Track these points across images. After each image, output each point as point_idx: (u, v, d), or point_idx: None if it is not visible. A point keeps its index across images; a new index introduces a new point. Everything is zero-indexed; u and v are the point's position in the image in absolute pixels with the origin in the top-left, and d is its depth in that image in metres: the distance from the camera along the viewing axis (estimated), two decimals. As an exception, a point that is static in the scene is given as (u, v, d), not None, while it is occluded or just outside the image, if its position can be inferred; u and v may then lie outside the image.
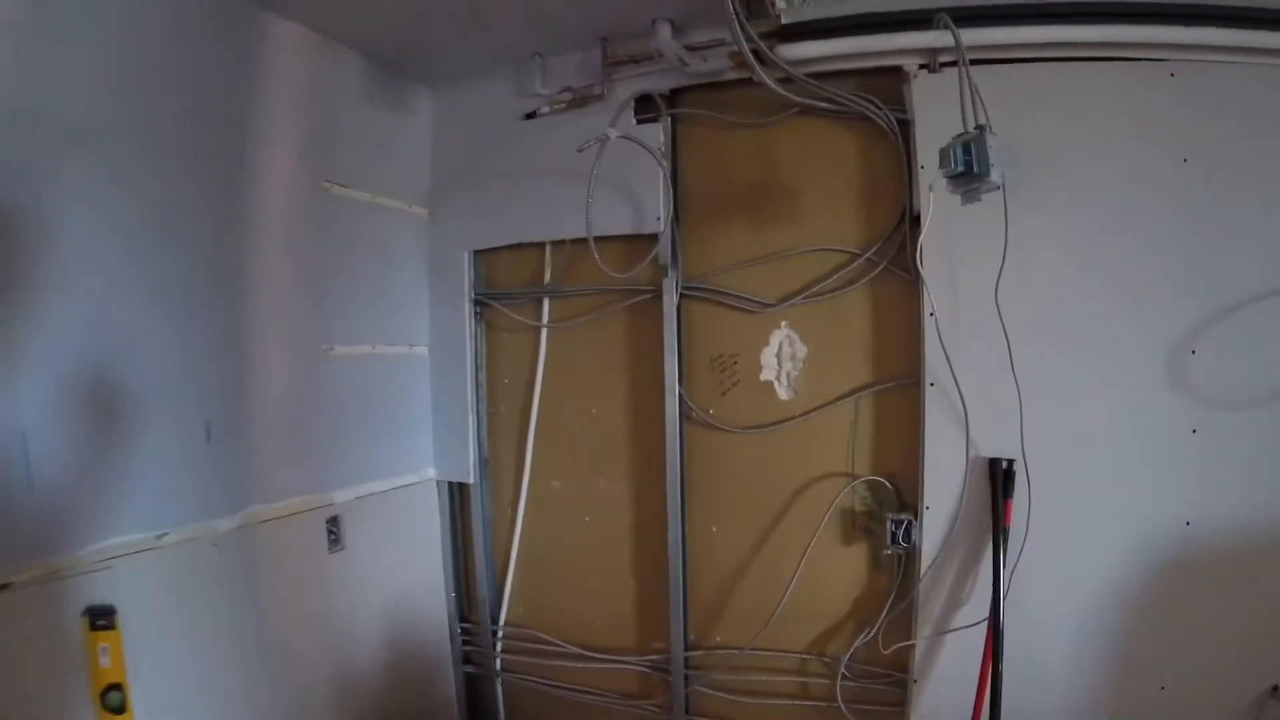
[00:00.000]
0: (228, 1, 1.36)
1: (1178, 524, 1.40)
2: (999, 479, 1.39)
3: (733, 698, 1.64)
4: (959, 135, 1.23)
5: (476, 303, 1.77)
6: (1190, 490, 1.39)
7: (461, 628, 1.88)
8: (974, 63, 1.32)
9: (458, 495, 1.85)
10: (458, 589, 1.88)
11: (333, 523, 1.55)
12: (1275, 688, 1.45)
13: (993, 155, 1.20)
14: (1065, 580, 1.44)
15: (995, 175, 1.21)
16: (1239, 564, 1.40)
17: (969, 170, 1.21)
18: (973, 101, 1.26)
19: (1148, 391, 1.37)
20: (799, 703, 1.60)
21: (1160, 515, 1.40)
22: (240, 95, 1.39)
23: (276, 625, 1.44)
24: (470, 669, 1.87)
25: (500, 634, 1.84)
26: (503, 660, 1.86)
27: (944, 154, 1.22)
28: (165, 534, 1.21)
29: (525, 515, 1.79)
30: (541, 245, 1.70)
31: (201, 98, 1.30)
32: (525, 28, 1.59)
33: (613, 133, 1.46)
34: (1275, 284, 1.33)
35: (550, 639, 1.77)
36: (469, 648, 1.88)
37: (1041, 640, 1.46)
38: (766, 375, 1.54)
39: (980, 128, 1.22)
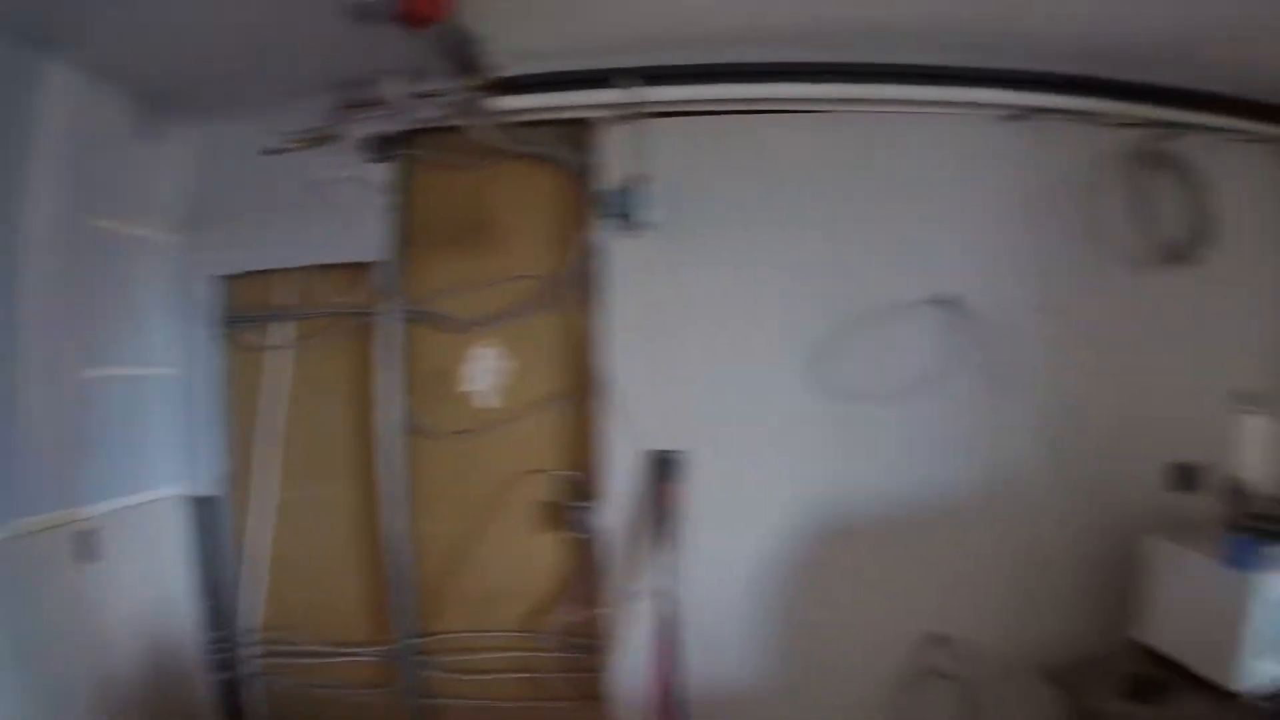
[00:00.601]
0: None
1: (821, 500, 1.75)
2: (662, 469, 1.68)
3: (461, 677, 1.81)
4: (621, 182, 1.51)
5: (221, 325, 1.87)
6: (834, 470, 1.74)
7: (216, 634, 1.93)
8: (659, 115, 1.64)
9: (206, 507, 1.91)
10: (210, 597, 1.93)
11: (88, 535, 1.60)
12: (938, 635, 1.81)
13: (648, 199, 1.49)
14: (731, 551, 1.73)
15: (650, 215, 1.50)
16: (880, 529, 1.76)
17: (624, 212, 1.49)
18: (641, 149, 1.56)
19: (793, 391, 1.71)
20: (519, 675, 1.80)
21: (806, 493, 1.74)
22: (6, 137, 1.45)
23: (33, 634, 1.46)
24: (226, 675, 1.92)
25: (252, 638, 1.91)
26: (257, 663, 1.93)
27: (601, 198, 1.48)
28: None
29: (268, 523, 1.89)
30: (282, 271, 1.83)
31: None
32: (275, 73, 1.73)
33: (339, 173, 1.66)
34: (887, 303, 1.70)
35: (294, 640, 1.88)
36: (223, 654, 1.93)
37: (718, 603, 1.74)
38: (475, 386, 1.75)
39: (641, 175, 1.50)
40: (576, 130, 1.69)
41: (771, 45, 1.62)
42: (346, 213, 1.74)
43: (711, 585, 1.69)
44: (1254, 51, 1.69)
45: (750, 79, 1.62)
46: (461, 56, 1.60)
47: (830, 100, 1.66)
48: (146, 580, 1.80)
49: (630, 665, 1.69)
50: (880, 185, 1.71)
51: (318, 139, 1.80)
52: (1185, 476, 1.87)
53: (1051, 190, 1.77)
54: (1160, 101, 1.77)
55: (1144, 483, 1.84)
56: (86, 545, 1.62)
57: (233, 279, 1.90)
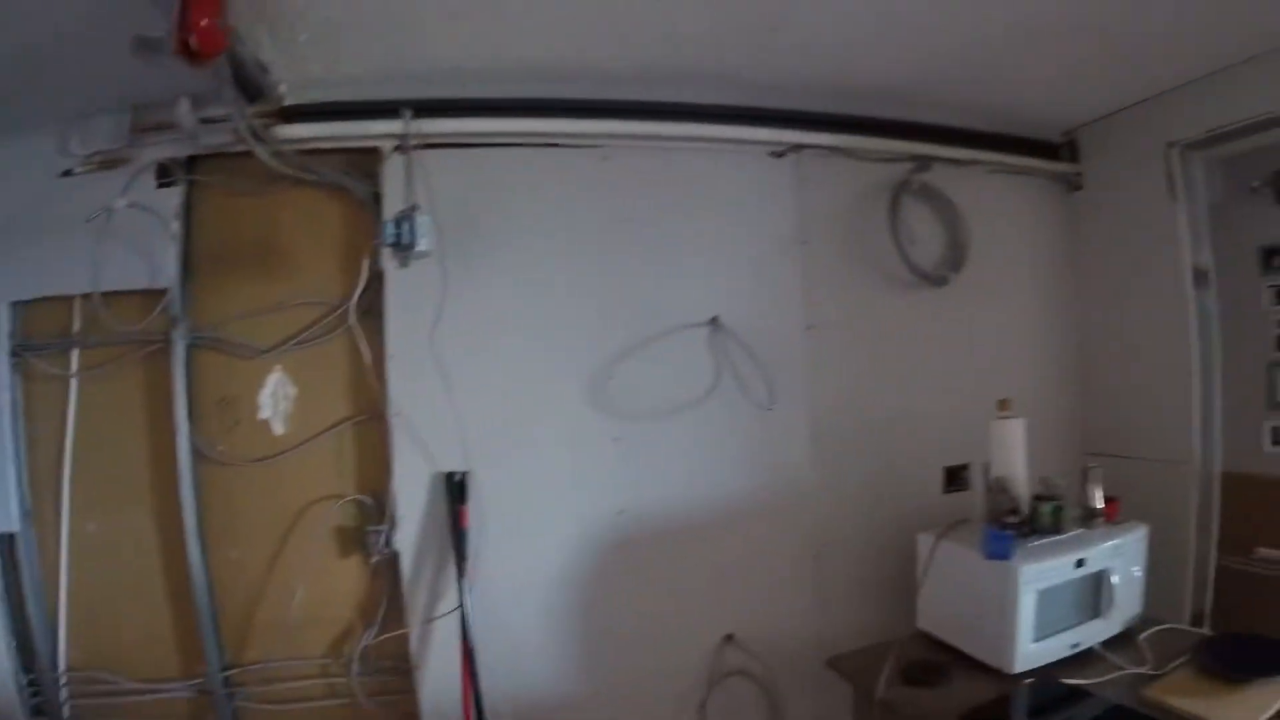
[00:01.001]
0: None
1: (612, 513, 1.85)
2: (453, 490, 1.74)
3: (273, 706, 1.80)
4: (398, 212, 1.56)
5: (13, 353, 1.81)
6: (618, 486, 1.84)
7: (28, 678, 1.84)
8: (441, 146, 1.72)
9: (9, 544, 1.83)
10: (16, 636, 1.83)
11: None
12: (727, 635, 1.93)
13: (421, 229, 1.55)
14: (528, 567, 1.80)
15: (423, 244, 1.56)
16: (671, 537, 1.87)
17: (398, 242, 1.54)
18: (413, 181, 1.63)
19: (578, 410, 1.81)
20: (329, 702, 1.80)
21: (597, 507, 1.83)
22: None
23: None
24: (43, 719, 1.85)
25: (63, 680, 1.83)
26: (71, 706, 1.85)
27: (382, 228, 1.53)
28: None
29: (70, 559, 1.82)
30: (72, 298, 1.79)
31: None
32: (66, 92, 1.70)
33: (120, 203, 1.65)
34: (664, 327, 1.84)
35: (109, 678, 1.81)
36: (37, 698, 1.85)
37: (516, 617, 1.80)
38: (264, 414, 1.77)
39: (414, 206, 1.56)
40: (363, 159, 1.74)
41: (555, 82, 1.74)
42: (137, 237, 1.73)
43: (511, 601, 1.76)
44: (986, 91, 1.93)
45: (530, 114, 1.73)
46: (250, 83, 1.65)
47: (606, 135, 1.79)
48: None
49: (438, 685, 1.72)
50: (660, 216, 1.85)
51: (110, 161, 1.80)
52: (956, 477, 2.08)
53: (819, 219, 1.97)
54: (913, 137, 2.01)
55: (920, 483, 2.07)
56: None
57: (28, 304, 1.84)
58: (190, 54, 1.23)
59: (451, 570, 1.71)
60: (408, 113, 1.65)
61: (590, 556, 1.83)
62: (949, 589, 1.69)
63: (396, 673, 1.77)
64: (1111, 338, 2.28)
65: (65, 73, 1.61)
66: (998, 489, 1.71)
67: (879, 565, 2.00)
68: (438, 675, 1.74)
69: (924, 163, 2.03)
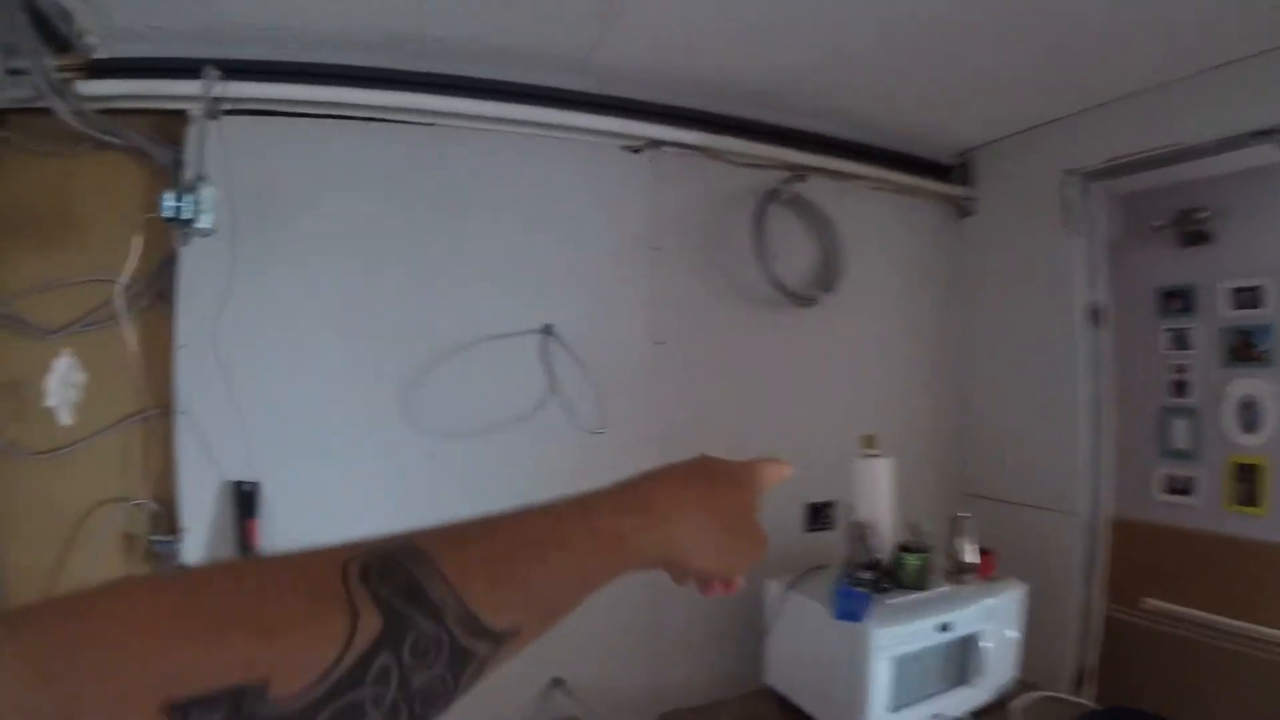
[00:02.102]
0: None
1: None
2: (241, 501, 1.58)
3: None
4: (181, 183, 1.43)
5: None
6: (433, 507, 1.66)
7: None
8: (251, 113, 1.55)
9: None
10: None
11: None
12: (556, 679, 1.78)
13: (204, 203, 1.40)
14: None
15: (204, 221, 1.40)
16: None
17: (176, 216, 1.40)
18: (214, 150, 1.47)
19: (390, 423, 1.64)
20: None
21: (408, 526, 1.67)
22: None
23: None
24: None
25: None
26: None
27: (160, 200, 1.39)
28: None
29: None
30: None
31: None
32: None
33: None
34: (488, 333, 1.67)
35: None
36: None
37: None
38: (50, 401, 1.59)
39: (199, 178, 1.43)
40: (171, 123, 1.57)
41: (382, 50, 1.60)
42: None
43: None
44: (868, 103, 1.83)
45: (351, 83, 1.57)
46: (55, 32, 1.48)
47: (440, 114, 1.64)
48: None
49: None
50: (492, 208, 1.70)
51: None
52: (820, 515, 1.95)
53: (675, 224, 1.84)
54: (788, 143, 1.91)
55: (779, 519, 1.92)
56: None
57: None
58: None
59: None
60: (213, 72, 1.48)
61: None
62: (798, 645, 1.57)
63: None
64: (997, 373, 2.21)
65: None
66: (858, 534, 1.60)
67: (727, 610, 1.85)
68: None
69: (799, 172, 1.93)
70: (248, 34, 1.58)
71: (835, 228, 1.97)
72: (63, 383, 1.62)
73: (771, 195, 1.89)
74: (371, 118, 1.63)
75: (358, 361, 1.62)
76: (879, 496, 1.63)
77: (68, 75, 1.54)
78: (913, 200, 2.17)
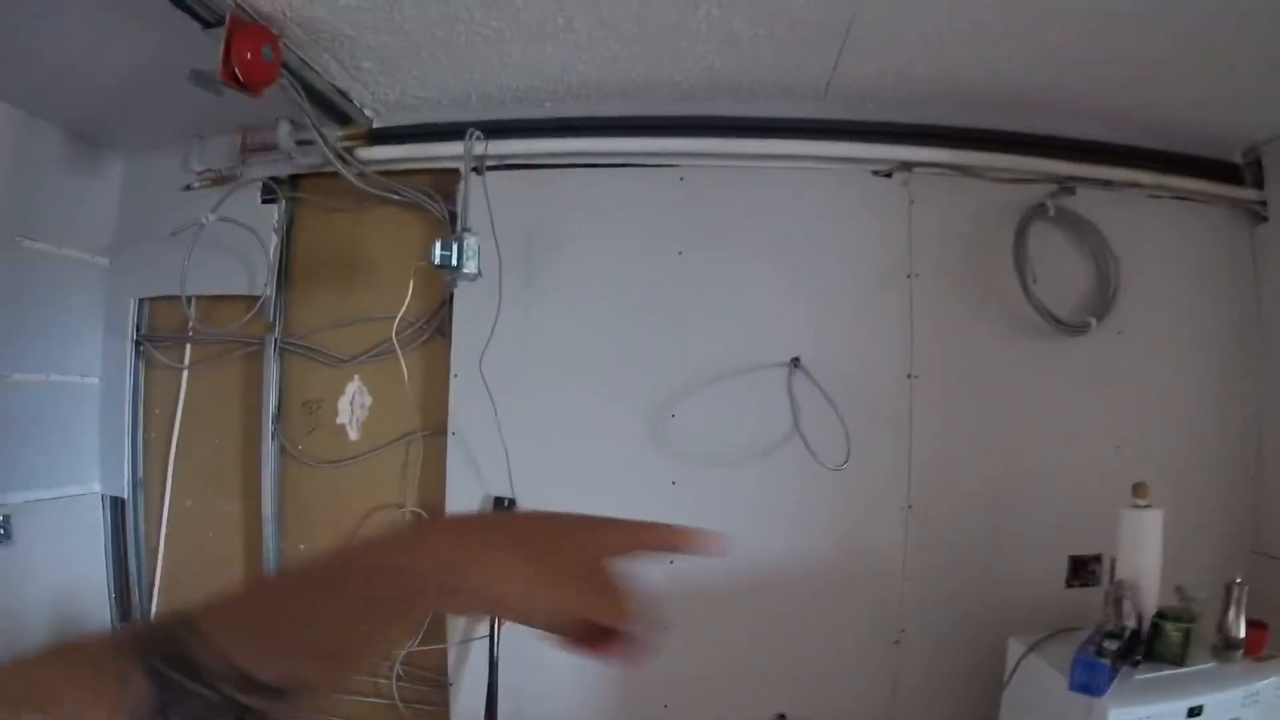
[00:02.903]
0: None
1: (663, 562, 1.71)
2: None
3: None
4: (451, 234, 1.55)
5: (138, 343, 2.02)
6: None
7: (121, 623, 2.07)
8: (513, 167, 1.70)
9: (119, 508, 2.06)
10: (117, 589, 2.07)
11: (3, 521, 1.77)
12: (780, 715, 1.75)
13: (469, 251, 1.53)
14: None
15: (470, 267, 1.54)
16: (722, 598, 1.68)
17: (446, 264, 1.53)
18: (478, 202, 1.61)
19: (636, 447, 1.70)
20: (373, 700, 1.82)
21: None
22: None
23: None
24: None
25: None
26: None
27: (430, 249, 1.52)
28: None
29: (168, 527, 2.01)
30: (189, 298, 1.93)
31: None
32: (188, 115, 1.86)
33: (208, 217, 1.78)
34: (737, 365, 1.69)
35: None
36: None
37: (549, 656, 1.73)
38: (341, 419, 1.83)
39: (465, 229, 1.55)
40: (444, 179, 1.74)
41: (626, 99, 1.65)
42: (243, 248, 1.87)
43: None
44: (1147, 100, 1.59)
45: (599, 133, 1.65)
46: (335, 108, 1.74)
47: (688, 155, 1.66)
48: (59, 566, 1.95)
49: (468, 705, 1.70)
50: (741, 242, 1.68)
51: (221, 178, 1.94)
52: (1083, 569, 1.74)
53: (931, 249, 1.70)
54: (1053, 154, 1.69)
55: (1038, 571, 1.72)
56: (2, 529, 1.78)
57: (152, 300, 2.05)
58: (239, 84, 1.30)
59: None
60: (473, 134, 1.62)
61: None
62: (1034, 712, 1.40)
63: (434, 685, 1.78)
64: None
65: (176, 98, 1.69)
66: (1117, 595, 1.39)
67: (970, 664, 1.69)
68: (469, 696, 1.71)
69: (1066, 184, 1.70)
70: (505, 96, 1.71)
71: (1109, 244, 1.71)
72: (352, 404, 1.84)
73: (1035, 212, 1.68)
74: (621, 164, 1.70)
75: (611, 391, 1.68)
76: (1145, 554, 1.42)
77: (350, 144, 1.79)
78: (1197, 208, 1.83)
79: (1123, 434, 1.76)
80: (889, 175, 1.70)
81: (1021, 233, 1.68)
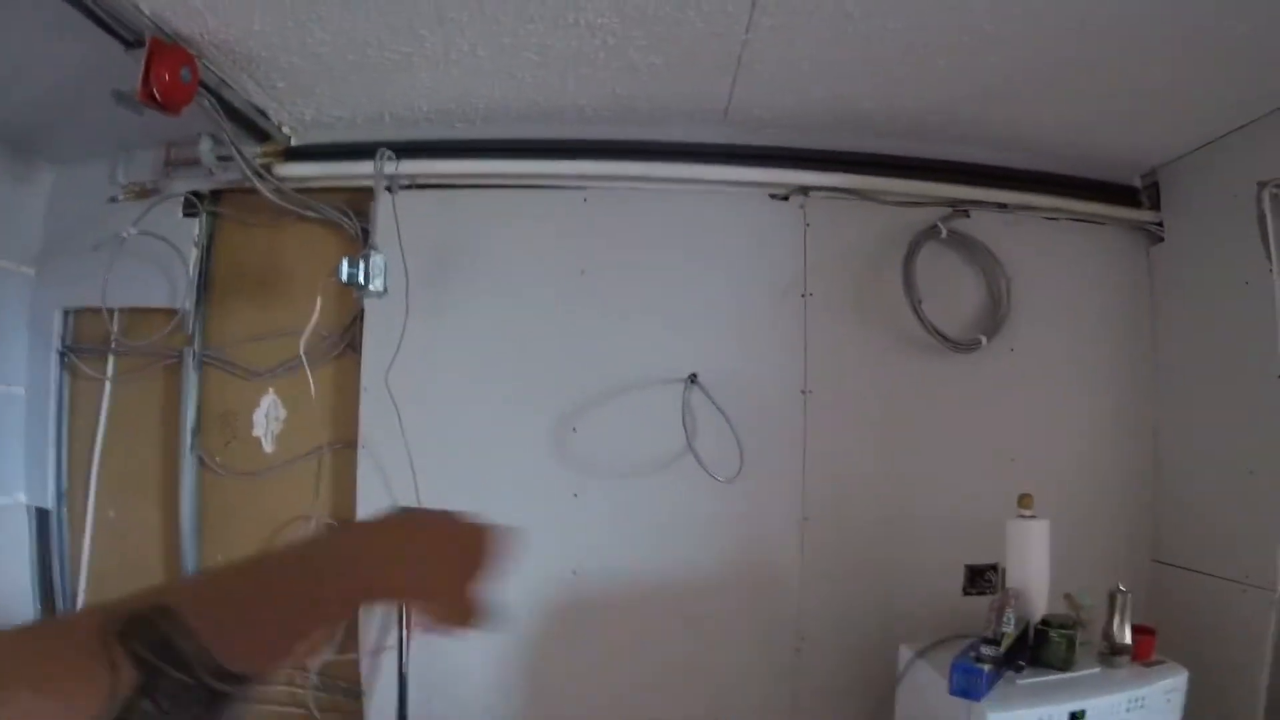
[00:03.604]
0: None
1: (566, 571, 1.77)
2: (409, 526, 1.73)
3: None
4: (359, 251, 1.60)
5: (63, 352, 2.03)
6: (574, 543, 1.75)
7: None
8: (424, 187, 1.75)
9: (43, 519, 2.06)
10: (41, 598, 2.06)
11: None
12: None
13: (375, 269, 1.57)
14: None
15: (376, 284, 1.58)
16: (628, 608, 1.75)
17: (353, 281, 1.57)
18: (388, 221, 1.66)
19: (539, 460, 1.75)
20: (289, 709, 1.85)
21: (551, 563, 1.75)
22: None
23: None
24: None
25: None
26: None
27: (337, 266, 1.56)
28: None
29: (92, 537, 2.01)
30: (112, 309, 1.95)
31: None
32: (117, 127, 1.86)
33: (129, 231, 1.81)
34: (637, 380, 1.74)
35: None
36: None
37: (462, 663, 1.76)
38: (257, 431, 1.86)
39: (370, 247, 1.60)
40: (359, 197, 1.79)
41: (535, 121, 1.70)
42: (164, 261, 1.89)
43: (457, 651, 1.71)
44: (1042, 125, 1.66)
45: (507, 155, 1.70)
46: (254, 125, 1.77)
47: (588, 177, 1.72)
48: None
49: (382, 713, 1.72)
50: (643, 260, 1.74)
51: (145, 191, 1.97)
52: (980, 577, 1.80)
53: (826, 270, 1.77)
54: (947, 178, 1.77)
55: (936, 579, 1.79)
56: None
57: (77, 312, 2.06)
58: (158, 104, 1.34)
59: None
60: (384, 153, 1.67)
61: (540, 611, 1.74)
62: (921, 718, 1.46)
63: (350, 694, 1.81)
64: (1194, 424, 1.87)
65: (102, 112, 1.68)
66: (1000, 603, 1.44)
67: (868, 671, 1.74)
68: (386, 703, 1.72)
69: (960, 208, 1.78)
70: (417, 116, 1.76)
71: (1001, 265, 1.79)
72: (267, 417, 1.87)
73: (927, 234, 1.75)
74: (528, 185, 1.75)
75: (515, 405, 1.73)
76: (1031, 562, 1.49)
77: (268, 160, 1.83)
78: (1094, 229, 1.91)
79: (1016, 447, 1.84)
80: (786, 199, 1.76)
81: (911, 255, 1.76)
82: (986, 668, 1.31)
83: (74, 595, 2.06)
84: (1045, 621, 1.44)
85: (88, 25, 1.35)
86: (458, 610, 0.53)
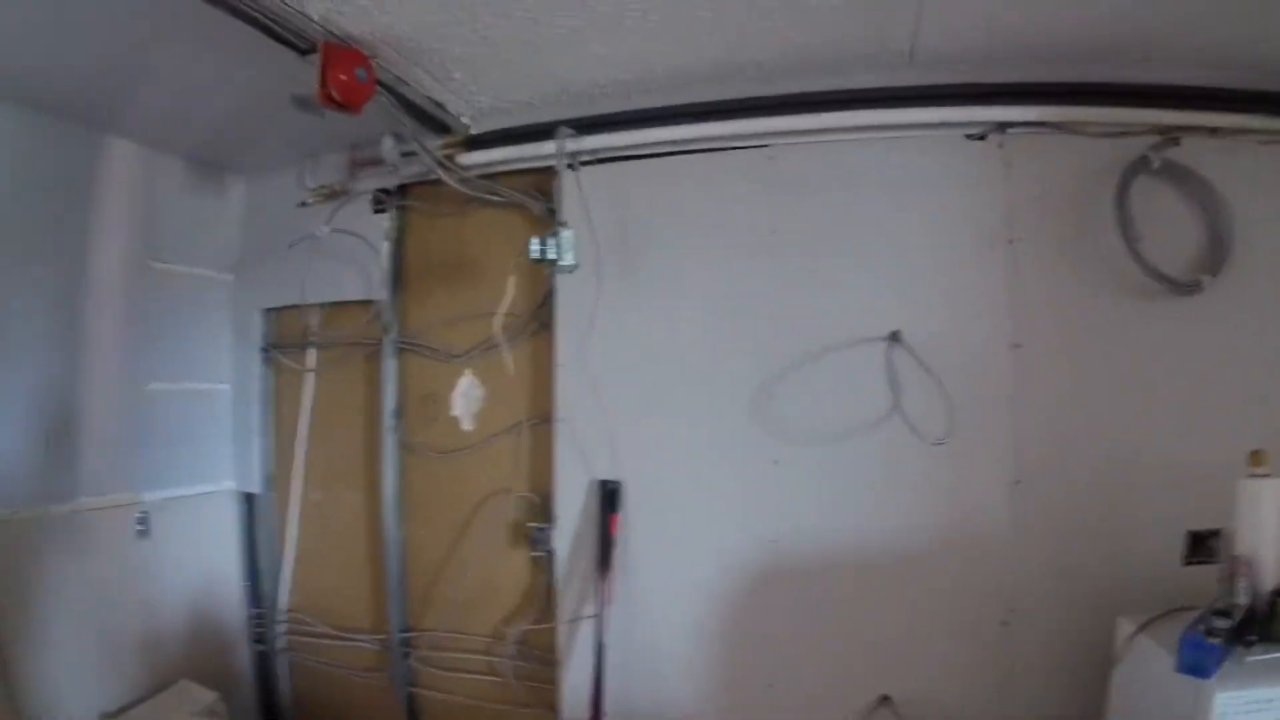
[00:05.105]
0: (65, 131, 1.82)
1: (766, 540, 1.75)
2: (606, 498, 1.78)
3: (440, 671, 2.01)
4: (544, 230, 1.64)
5: (265, 349, 2.22)
6: (774, 512, 1.74)
7: (253, 612, 2.27)
8: (607, 161, 1.79)
9: (251, 502, 2.27)
10: (250, 579, 2.27)
11: (143, 517, 1.99)
12: (885, 697, 1.74)
13: (564, 244, 1.61)
14: (675, 584, 1.78)
15: (567, 259, 1.62)
16: (827, 575, 1.72)
17: (542, 257, 1.61)
18: (574, 197, 1.71)
19: (737, 428, 1.74)
20: (487, 678, 1.96)
21: (750, 532, 1.75)
22: (77, 201, 1.88)
23: (91, 596, 1.84)
24: (260, 647, 2.26)
25: (282, 618, 2.22)
26: (284, 640, 2.23)
27: (526, 246, 1.61)
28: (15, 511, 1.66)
29: (298, 520, 2.20)
30: (310, 306, 2.12)
31: (43, 209, 1.78)
32: (301, 136, 2.04)
33: (322, 230, 1.95)
34: (835, 341, 1.70)
35: (314, 623, 2.16)
36: (258, 629, 2.27)
37: (660, 634, 1.79)
38: (456, 411, 1.95)
39: (561, 223, 1.64)
40: (544, 178, 1.84)
41: (713, 83, 1.69)
42: (358, 257, 2.03)
43: (657, 615, 1.75)
44: (1244, 34, 1.51)
45: (686, 120, 1.69)
46: (433, 119, 1.87)
47: (774, 134, 1.68)
48: (195, 559, 2.18)
49: (578, 682, 1.77)
50: (834, 216, 1.69)
51: (334, 193, 2.12)
52: (1202, 545, 1.65)
53: (1031, 212, 1.66)
54: (1154, 103, 1.62)
55: (1154, 547, 1.63)
56: (142, 524, 1.99)
57: (276, 311, 2.25)
58: (338, 105, 1.41)
59: (597, 576, 1.74)
60: (565, 131, 1.71)
61: (739, 583, 1.74)
62: (1141, 695, 1.34)
63: (545, 663, 1.87)
64: None
65: (286, 122, 1.78)
66: (1231, 571, 1.30)
67: (1081, 645, 1.61)
68: (578, 673, 1.79)
69: (1169, 135, 1.63)
70: (593, 91, 1.79)
71: (1220, 196, 1.62)
72: (465, 397, 1.96)
73: (1137, 166, 1.61)
74: (710, 149, 1.74)
75: (710, 373, 1.73)
76: (1264, 527, 1.31)
77: (450, 151, 1.91)
78: None
79: (1246, 398, 1.65)
80: (983, 138, 1.66)
81: (1123, 189, 1.62)
82: (1218, 642, 1.18)
83: (278, 573, 2.24)
84: (1278, 591, 1.29)
85: (260, 39, 1.44)
86: None
